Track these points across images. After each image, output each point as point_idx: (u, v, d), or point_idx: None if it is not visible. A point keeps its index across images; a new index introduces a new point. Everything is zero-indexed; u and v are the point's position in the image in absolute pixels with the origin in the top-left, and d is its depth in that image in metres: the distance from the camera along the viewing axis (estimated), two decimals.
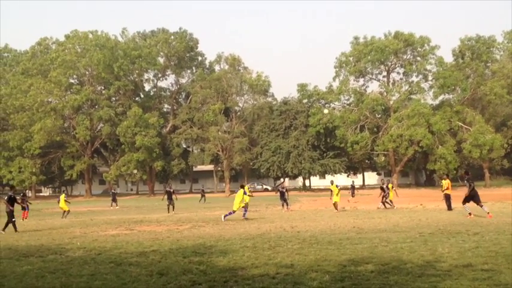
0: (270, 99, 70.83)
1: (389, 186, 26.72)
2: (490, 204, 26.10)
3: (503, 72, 58.33)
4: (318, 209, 27.74)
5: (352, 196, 37.06)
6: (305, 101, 67.30)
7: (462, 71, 59.90)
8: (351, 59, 63.00)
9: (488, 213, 17.62)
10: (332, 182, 26.50)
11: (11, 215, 18.25)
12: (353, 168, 71.68)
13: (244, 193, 21.28)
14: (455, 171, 56.60)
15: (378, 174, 78.64)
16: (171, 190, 27.98)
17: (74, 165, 66.20)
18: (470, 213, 17.81)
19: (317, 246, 11.42)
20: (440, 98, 62.35)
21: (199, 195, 44.42)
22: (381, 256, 9.75)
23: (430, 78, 61.62)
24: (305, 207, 30.18)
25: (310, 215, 22.49)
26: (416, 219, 18.48)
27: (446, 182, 22.94)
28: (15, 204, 18.79)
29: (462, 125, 57.80)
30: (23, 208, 25.01)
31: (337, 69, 63.86)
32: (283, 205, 26.94)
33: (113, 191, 41.13)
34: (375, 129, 63.82)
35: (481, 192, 44.52)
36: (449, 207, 22.03)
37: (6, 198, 18.69)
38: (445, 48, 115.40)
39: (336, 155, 64.07)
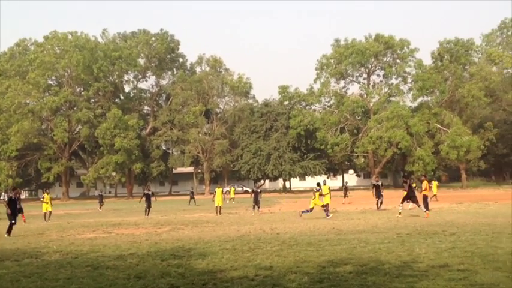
0: (251, 101, 71.13)
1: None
2: (467, 205, 26.60)
3: (481, 75, 59.15)
4: (298, 210, 27.70)
5: (345, 197, 36.86)
6: (286, 102, 67.41)
7: (441, 74, 60.70)
8: (332, 61, 63.37)
9: (426, 211, 19.61)
10: (325, 182, 24.29)
11: (10, 217, 17.29)
12: (333, 169, 72.07)
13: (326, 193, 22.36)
14: (432, 173, 57.34)
15: (357, 175, 79.22)
16: (150, 193, 27.44)
17: (51, 167, 65.10)
18: (400, 213, 19.50)
19: (296, 248, 11.45)
20: (419, 100, 63.08)
21: (180, 198, 44.01)
22: (359, 257, 9.82)
23: (409, 80, 62.28)
24: (285, 209, 30.23)
25: (290, 217, 22.53)
26: (394, 220, 18.68)
27: (425, 183, 23.16)
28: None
29: (440, 126, 58.50)
30: (20, 210, 23.87)
31: (318, 71, 64.19)
32: (254, 207, 26.28)
33: (100, 193, 40.53)
34: (355, 131, 64.25)
35: (458, 193, 45.51)
36: (427, 208, 22.21)
37: (6, 200, 17.91)
38: (425, 51, 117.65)
39: (316, 157, 64.37)
